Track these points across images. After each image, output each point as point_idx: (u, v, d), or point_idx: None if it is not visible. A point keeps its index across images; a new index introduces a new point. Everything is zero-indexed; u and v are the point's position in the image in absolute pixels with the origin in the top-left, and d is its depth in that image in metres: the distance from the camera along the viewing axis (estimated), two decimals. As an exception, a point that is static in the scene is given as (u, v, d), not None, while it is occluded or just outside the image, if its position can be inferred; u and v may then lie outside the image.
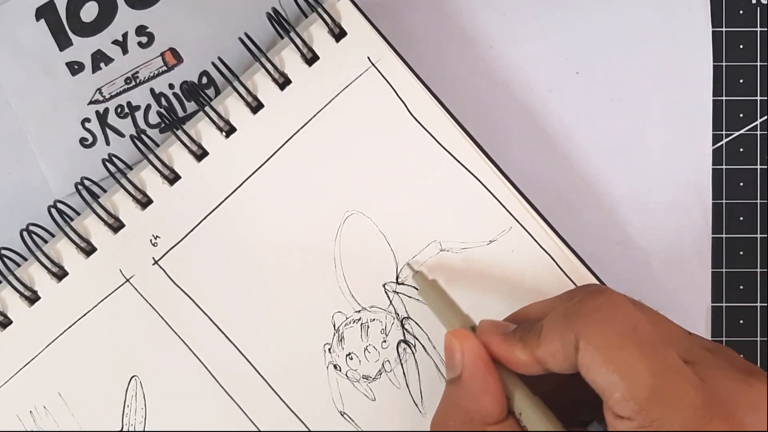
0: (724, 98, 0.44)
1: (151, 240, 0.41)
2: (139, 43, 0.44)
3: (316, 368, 0.40)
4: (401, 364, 0.40)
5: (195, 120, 0.42)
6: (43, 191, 0.44)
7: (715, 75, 0.44)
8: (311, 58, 0.41)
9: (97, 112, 0.44)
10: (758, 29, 0.44)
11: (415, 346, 0.40)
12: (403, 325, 0.40)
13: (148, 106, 0.44)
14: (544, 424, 0.32)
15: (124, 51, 0.44)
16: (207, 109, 0.41)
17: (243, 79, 0.41)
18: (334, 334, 0.40)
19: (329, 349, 0.40)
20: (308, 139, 0.41)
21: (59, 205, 0.41)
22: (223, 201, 0.41)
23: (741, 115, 0.44)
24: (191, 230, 0.41)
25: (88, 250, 0.41)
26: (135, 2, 0.44)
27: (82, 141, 0.44)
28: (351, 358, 0.40)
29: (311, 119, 0.41)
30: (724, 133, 0.44)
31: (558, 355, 0.31)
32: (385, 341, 0.40)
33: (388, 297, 0.40)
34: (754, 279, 0.44)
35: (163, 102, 0.44)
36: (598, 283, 0.39)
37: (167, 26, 0.44)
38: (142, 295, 0.41)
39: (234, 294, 0.41)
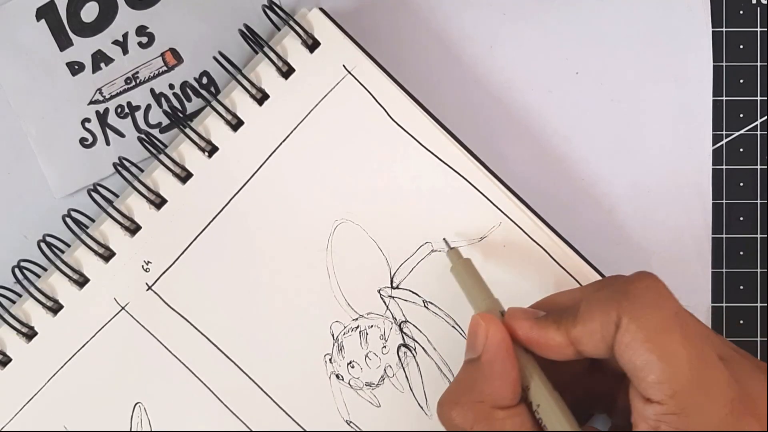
0: (724, 98, 0.44)
1: (143, 266, 0.41)
2: (140, 44, 0.44)
3: (318, 380, 0.40)
4: (403, 368, 0.40)
5: (176, 142, 0.42)
6: (43, 191, 0.44)
7: (715, 75, 0.44)
8: (287, 71, 0.41)
9: (97, 112, 0.44)
10: (758, 29, 0.44)
11: (415, 349, 0.40)
12: (401, 330, 0.40)
13: (149, 106, 0.44)
14: (559, 419, 0.32)
15: (125, 51, 0.44)
16: (187, 129, 0.41)
17: (221, 97, 0.41)
18: (334, 344, 0.40)
19: (330, 360, 0.40)
20: (291, 151, 0.41)
21: (48, 239, 0.41)
22: (210, 221, 0.41)
23: (741, 115, 0.44)
24: (182, 253, 0.41)
25: (81, 281, 0.41)
26: (135, 2, 0.44)
27: (82, 141, 0.44)
28: (352, 367, 0.40)
29: (292, 132, 0.41)
30: (724, 133, 0.44)
31: (595, 334, 0.31)
32: (385, 347, 0.40)
33: (385, 302, 0.40)
34: (754, 279, 0.43)
35: (164, 102, 0.44)
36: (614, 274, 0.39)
37: (167, 26, 0.44)
38: (138, 322, 0.41)
39: (230, 312, 0.41)
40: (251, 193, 0.41)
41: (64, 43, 0.44)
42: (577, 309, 0.32)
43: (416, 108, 0.40)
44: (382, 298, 0.40)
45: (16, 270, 0.41)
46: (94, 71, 0.44)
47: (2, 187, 0.44)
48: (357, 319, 0.40)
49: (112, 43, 0.44)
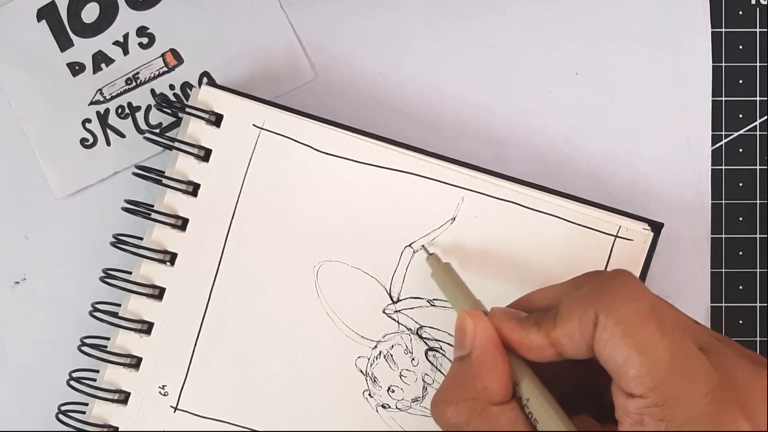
0: (723, 99, 0.44)
1: (160, 392, 0.41)
2: (140, 44, 0.44)
3: (368, 418, 0.40)
4: (439, 370, 0.41)
5: (138, 264, 0.41)
6: (44, 191, 0.44)
7: (715, 75, 0.44)
8: (205, 154, 0.41)
9: (97, 112, 0.44)
10: (758, 30, 0.44)
11: (441, 348, 0.41)
12: (420, 336, 0.41)
13: (149, 107, 0.44)
14: (549, 413, 0.32)
15: (125, 52, 0.44)
16: (141, 250, 0.41)
17: (156, 204, 0.41)
18: (366, 379, 0.41)
19: (370, 395, 0.41)
20: (243, 226, 0.41)
21: (63, 408, 0.41)
22: (202, 322, 0.41)
23: (740, 116, 0.44)
24: (189, 363, 0.41)
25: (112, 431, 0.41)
26: (136, 3, 0.44)
27: (83, 141, 0.44)
28: (393, 391, 0.41)
29: (236, 208, 0.41)
30: (723, 133, 0.44)
31: (575, 335, 0.31)
32: (413, 359, 0.41)
33: (394, 319, 0.41)
34: (753, 279, 0.44)
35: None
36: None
37: (168, 27, 0.44)
38: None
39: (261, 394, 0.41)
40: (225, 279, 0.41)
41: (64, 43, 0.44)
42: (557, 310, 0.32)
43: (336, 131, 0.40)
44: (389, 317, 0.41)
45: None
46: (94, 72, 0.44)
47: (2, 187, 0.44)
48: (376, 346, 0.41)
49: (113, 43, 0.44)
